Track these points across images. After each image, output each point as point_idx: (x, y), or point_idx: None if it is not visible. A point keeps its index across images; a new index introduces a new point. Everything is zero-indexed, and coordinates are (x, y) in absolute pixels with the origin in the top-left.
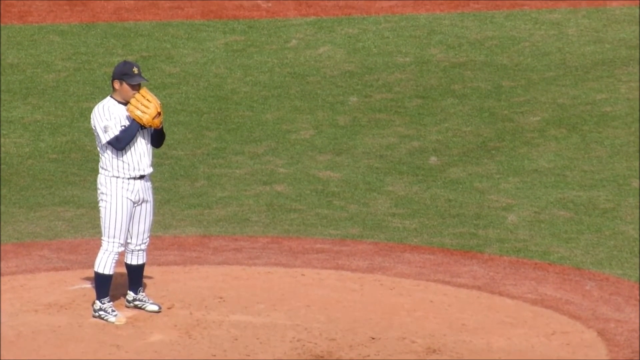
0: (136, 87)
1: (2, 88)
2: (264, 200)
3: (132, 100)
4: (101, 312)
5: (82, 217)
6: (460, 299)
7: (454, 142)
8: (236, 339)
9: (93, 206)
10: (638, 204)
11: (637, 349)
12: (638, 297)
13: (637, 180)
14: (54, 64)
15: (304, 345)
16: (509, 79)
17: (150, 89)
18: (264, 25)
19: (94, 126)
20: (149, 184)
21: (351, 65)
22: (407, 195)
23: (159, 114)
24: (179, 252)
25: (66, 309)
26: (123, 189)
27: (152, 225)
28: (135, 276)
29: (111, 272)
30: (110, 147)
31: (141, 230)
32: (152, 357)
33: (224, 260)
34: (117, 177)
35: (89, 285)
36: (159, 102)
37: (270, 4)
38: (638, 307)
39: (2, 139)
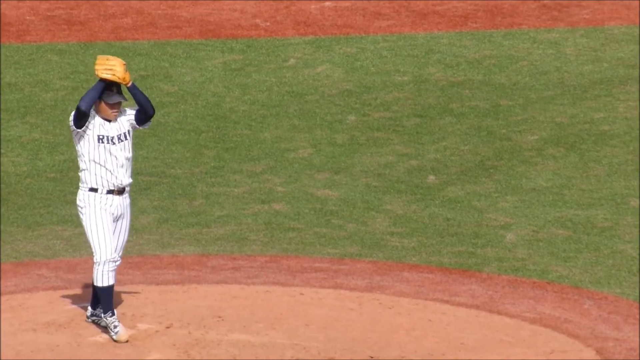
0: (115, 106)
1: (0, 107)
2: (262, 219)
3: (97, 66)
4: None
5: (80, 236)
6: (459, 318)
7: (452, 160)
8: (235, 358)
9: None
10: (636, 222)
11: None
12: (638, 316)
13: (636, 199)
14: (52, 83)
15: None
16: (507, 98)
17: None
18: (262, 45)
19: (70, 125)
20: (127, 200)
21: (349, 84)
22: (405, 214)
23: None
24: (178, 271)
25: (65, 328)
26: (101, 203)
27: (125, 243)
28: (97, 294)
29: (110, 282)
30: (85, 157)
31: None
32: None
33: (223, 279)
34: (95, 192)
35: (87, 305)
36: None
37: (268, 23)
38: (637, 326)
39: (0, 158)
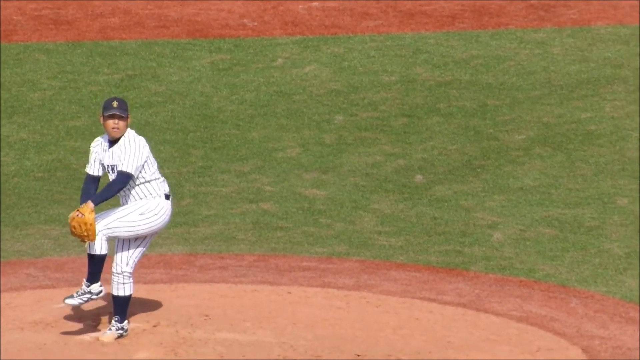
0: (108, 118)
1: None
2: (250, 218)
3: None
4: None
5: (68, 236)
6: (446, 317)
7: (440, 160)
8: (222, 357)
9: None
10: (623, 221)
11: None
12: (624, 315)
13: (622, 198)
14: (40, 83)
15: None
16: (494, 97)
17: (136, 108)
18: (250, 44)
19: None
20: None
21: (337, 84)
22: (392, 213)
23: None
24: (165, 271)
25: (52, 326)
26: None
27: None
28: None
29: (118, 293)
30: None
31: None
32: None
33: (210, 278)
34: None
35: (75, 303)
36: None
37: (256, 23)
38: (623, 324)
39: None
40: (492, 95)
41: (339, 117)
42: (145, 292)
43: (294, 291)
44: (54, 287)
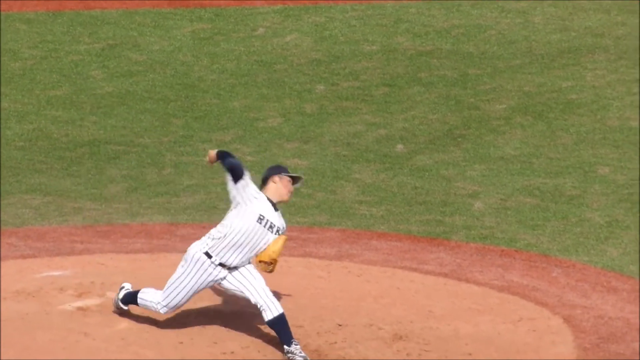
0: (294, 183)
1: None
2: None
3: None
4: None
5: (49, 205)
6: (427, 286)
7: (421, 130)
8: (204, 327)
9: (60, 194)
10: (604, 190)
11: (603, 335)
12: (605, 284)
13: (603, 167)
14: (21, 52)
15: (271, 332)
16: (475, 67)
17: (117, 77)
18: (230, 13)
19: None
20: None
21: (318, 53)
22: (374, 183)
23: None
24: (147, 240)
25: (34, 296)
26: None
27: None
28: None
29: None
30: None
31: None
32: (119, 344)
33: None
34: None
35: (56, 273)
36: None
37: None
38: (604, 294)
39: None
40: (473, 64)
41: (320, 87)
42: (126, 262)
43: None
44: (35, 256)
